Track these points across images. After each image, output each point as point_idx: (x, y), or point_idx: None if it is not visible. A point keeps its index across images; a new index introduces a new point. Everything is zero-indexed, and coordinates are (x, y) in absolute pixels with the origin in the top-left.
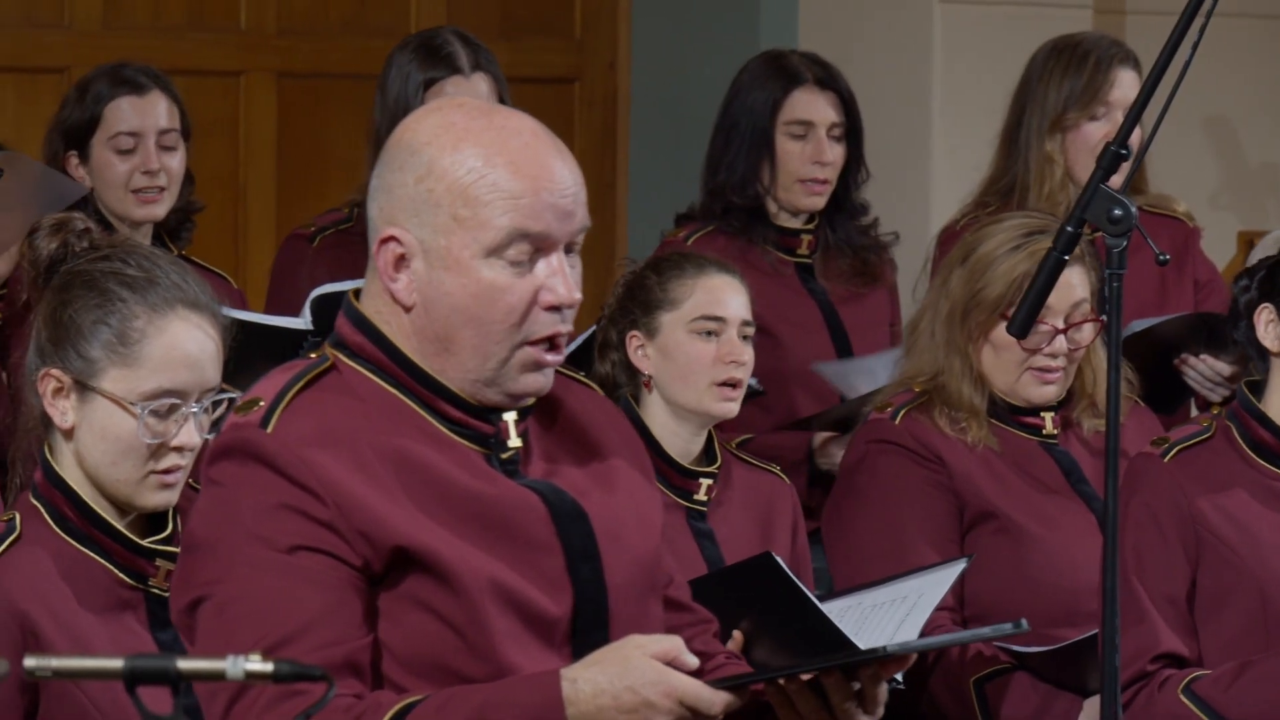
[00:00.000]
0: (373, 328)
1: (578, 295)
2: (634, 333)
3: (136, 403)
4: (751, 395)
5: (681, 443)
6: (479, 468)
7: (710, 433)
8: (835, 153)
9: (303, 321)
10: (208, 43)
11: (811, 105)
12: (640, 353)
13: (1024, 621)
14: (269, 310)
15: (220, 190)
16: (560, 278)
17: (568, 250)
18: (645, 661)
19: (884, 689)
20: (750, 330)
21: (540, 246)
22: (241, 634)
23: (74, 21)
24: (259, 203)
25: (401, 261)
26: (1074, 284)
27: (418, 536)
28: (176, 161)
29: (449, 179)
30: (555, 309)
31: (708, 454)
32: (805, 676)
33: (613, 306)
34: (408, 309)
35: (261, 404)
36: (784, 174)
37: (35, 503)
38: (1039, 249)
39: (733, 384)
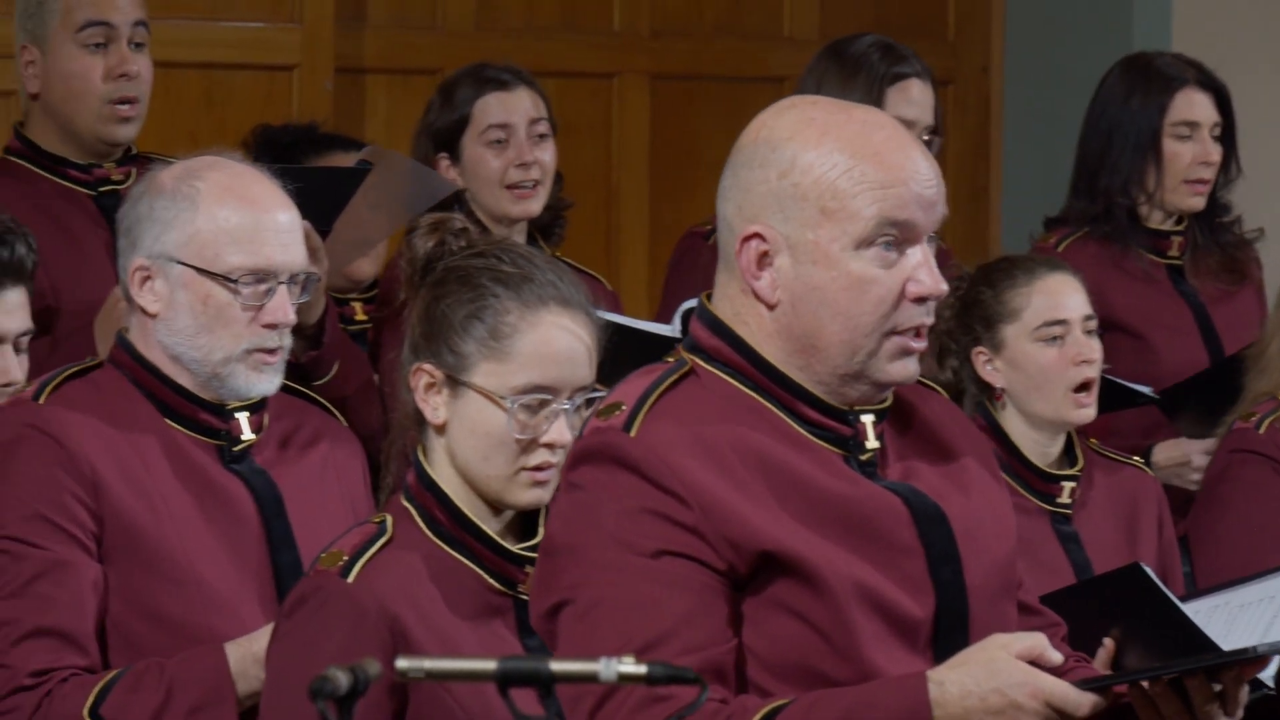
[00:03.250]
0: (729, 331)
1: (944, 286)
2: (979, 349)
3: (507, 397)
4: (1146, 402)
5: (1041, 448)
6: (839, 469)
7: (1070, 433)
8: (1217, 152)
9: (672, 329)
10: (580, 44)
11: (1196, 106)
12: (989, 368)
13: None
14: (664, 305)
15: (592, 192)
16: (926, 269)
17: (928, 241)
18: (1011, 662)
19: (1245, 690)
20: (1093, 324)
21: (905, 237)
22: (605, 638)
23: (446, 23)
24: (631, 205)
25: (765, 259)
26: None
27: (783, 540)
28: (548, 155)
29: (815, 173)
30: (922, 300)
31: (1068, 456)
32: (1167, 678)
33: (949, 321)
34: (771, 306)
35: (623, 408)
36: (1170, 175)
37: (407, 505)
38: None
39: (1087, 386)
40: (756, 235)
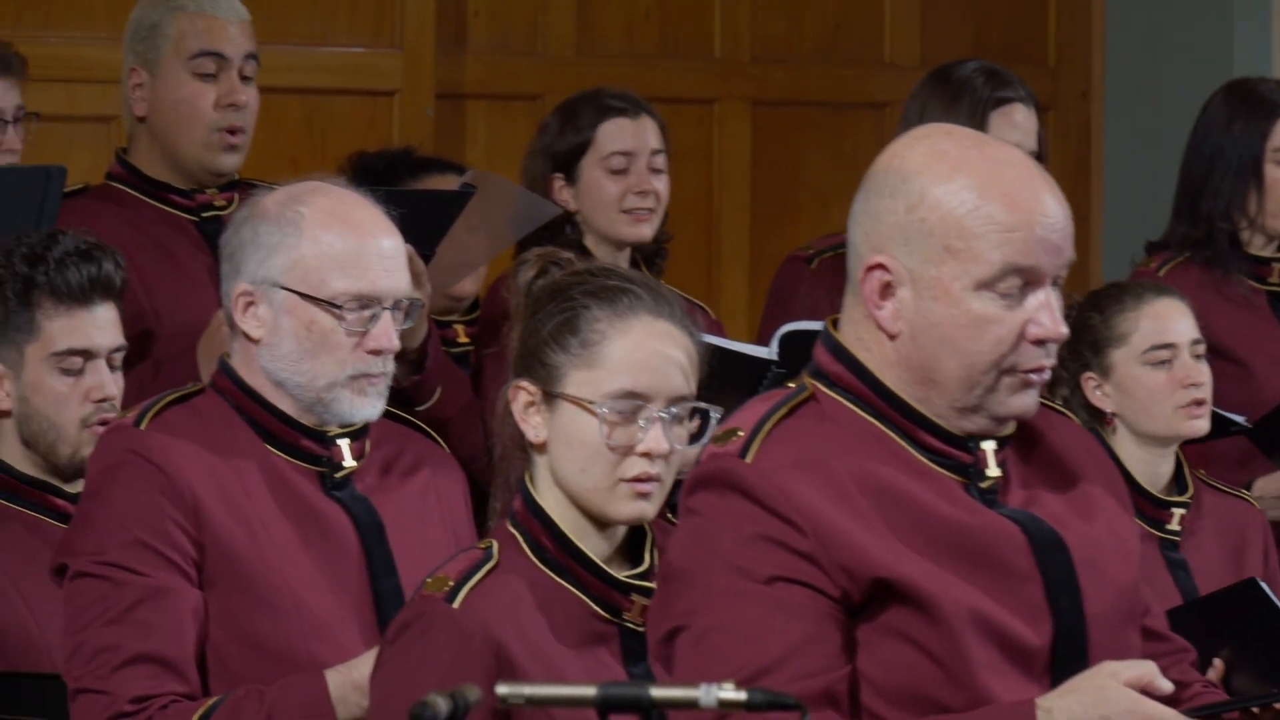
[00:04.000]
0: (852, 357)
1: (1064, 330)
2: (1088, 374)
3: (598, 403)
4: (1239, 431)
5: (1152, 472)
6: (958, 497)
7: (1180, 460)
8: None
9: (768, 352)
10: (681, 70)
11: None
12: (1099, 393)
13: None
14: (764, 331)
15: (694, 218)
16: (1048, 312)
17: (1053, 284)
18: (1120, 690)
19: None
20: (1201, 349)
21: (1029, 280)
22: (719, 664)
23: (546, 48)
24: (732, 230)
25: (888, 289)
26: None
27: (898, 567)
28: (664, 185)
29: (942, 209)
30: (1041, 342)
31: (1178, 483)
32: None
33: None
34: (892, 336)
35: (740, 434)
36: (1272, 201)
37: (513, 531)
38: None
39: (1198, 404)
40: (881, 265)
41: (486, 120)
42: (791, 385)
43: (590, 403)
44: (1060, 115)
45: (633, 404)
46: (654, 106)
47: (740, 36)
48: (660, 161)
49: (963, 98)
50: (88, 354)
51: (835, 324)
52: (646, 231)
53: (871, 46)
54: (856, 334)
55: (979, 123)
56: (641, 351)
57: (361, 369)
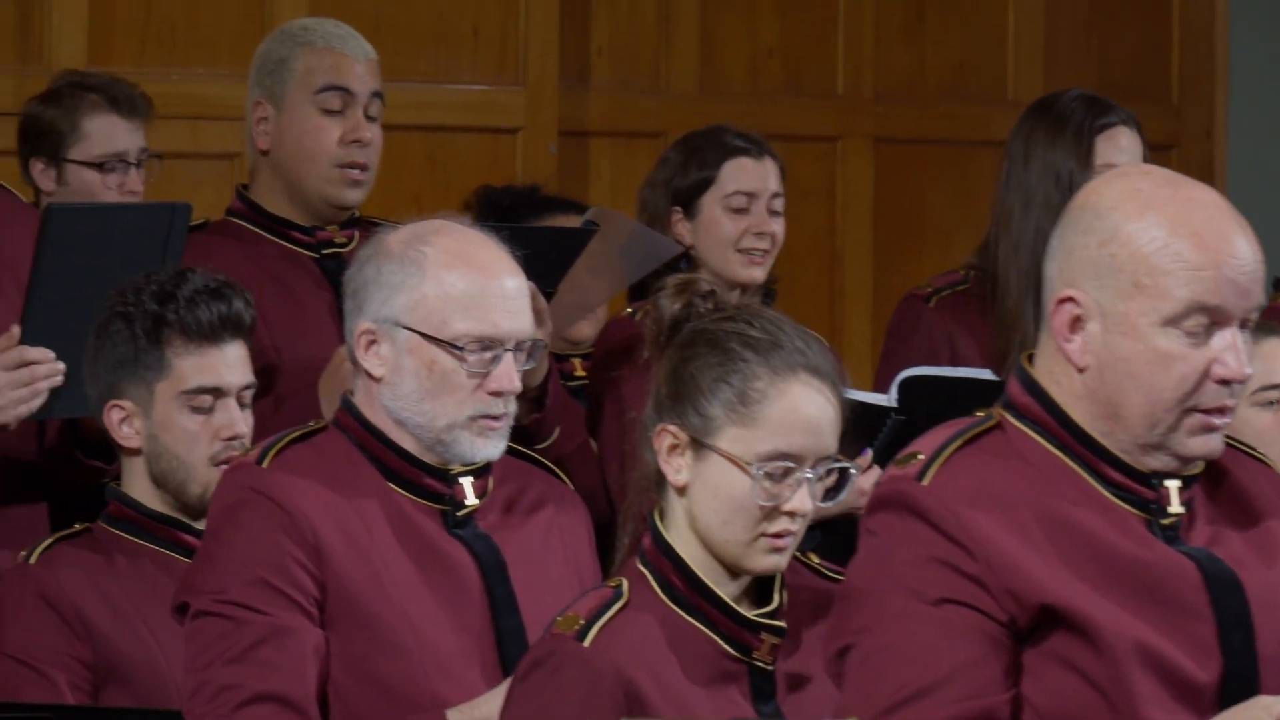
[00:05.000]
0: (1041, 390)
1: (1249, 370)
2: None
3: (753, 463)
4: None
5: None
6: (1137, 532)
7: None
8: None
9: (888, 399)
10: (804, 108)
11: None
12: None
13: None
14: (882, 370)
15: (816, 255)
16: (1234, 352)
17: (1241, 326)
18: None
19: None
20: None
21: (1216, 320)
22: (883, 683)
23: (670, 86)
24: (855, 268)
25: (1077, 323)
26: None
27: (1066, 595)
28: (781, 227)
29: (1132, 245)
30: (1226, 382)
31: None
32: None
33: None
34: (1080, 370)
35: (920, 457)
36: None
37: (643, 569)
38: None
39: None
40: (1072, 299)
41: (609, 157)
42: (981, 414)
43: (745, 462)
44: (1184, 153)
45: (785, 465)
46: (776, 144)
47: (863, 74)
48: (779, 204)
49: (1066, 126)
50: (217, 392)
51: (1030, 358)
52: (759, 274)
53: (995, 85)
54: (1047, 367)
55: (1086, 150)
56: (798, 414)
57: (482, 410)
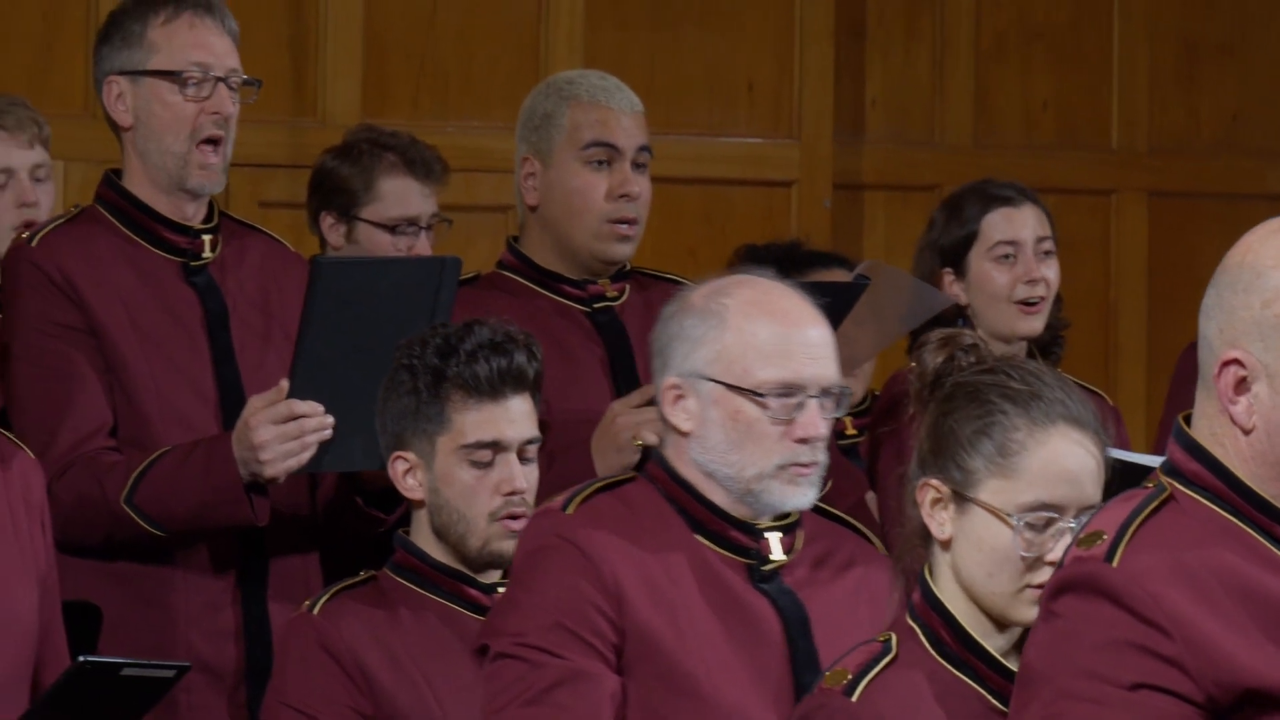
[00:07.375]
0: (1207, 454)
1: None
2: None
3: (1014, 515)
4: None
5: None
6: None
7: None
8: None
9: (1153, 460)
10: (1079, 161)
11: None
12: None
13: None
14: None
15: (1091, 309)
16: None
17: None
18: None
19: None
20: None
21: None
22: None
23: (945, 139)
24: (1130, 322)
25: (1243, 384)
26: None
27: (1270, 676)
28: (1053, 272)
29: None
30: None
31: None
32: None
33: None
34: (1246, 432)
35: (1105, 537)
36: None
37: (912, 623)
38: None
39: None
40: (1236, 360)
41: (885, 211)
42: (1150, 485)
43: (1006, 514)
44: None
45: (1047, 516)
46: (1051, 197)
47: (1138, 128)
48: (1047, 247)
49: None
50: (497, 446)
51: (1188, 419)
52: (1037, 325)
53: (1270, 137)
54: (1210, 429)
55: None
56: (1058, 464)
57: (790, 458)
